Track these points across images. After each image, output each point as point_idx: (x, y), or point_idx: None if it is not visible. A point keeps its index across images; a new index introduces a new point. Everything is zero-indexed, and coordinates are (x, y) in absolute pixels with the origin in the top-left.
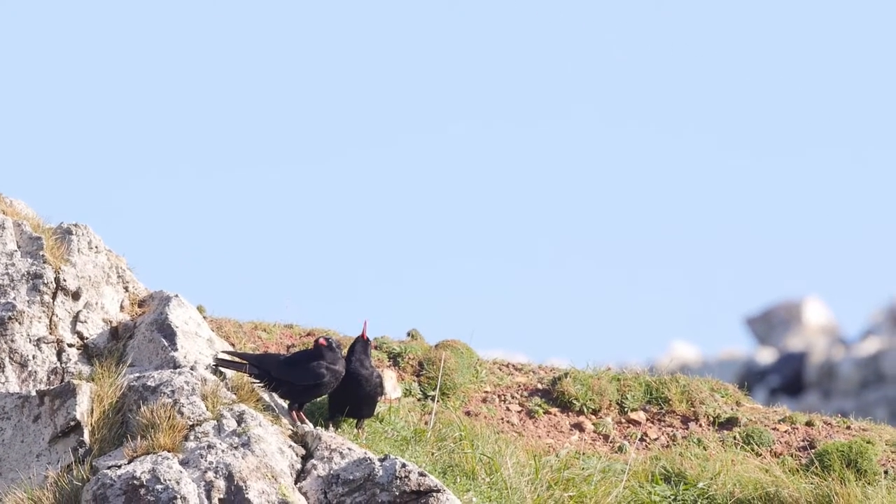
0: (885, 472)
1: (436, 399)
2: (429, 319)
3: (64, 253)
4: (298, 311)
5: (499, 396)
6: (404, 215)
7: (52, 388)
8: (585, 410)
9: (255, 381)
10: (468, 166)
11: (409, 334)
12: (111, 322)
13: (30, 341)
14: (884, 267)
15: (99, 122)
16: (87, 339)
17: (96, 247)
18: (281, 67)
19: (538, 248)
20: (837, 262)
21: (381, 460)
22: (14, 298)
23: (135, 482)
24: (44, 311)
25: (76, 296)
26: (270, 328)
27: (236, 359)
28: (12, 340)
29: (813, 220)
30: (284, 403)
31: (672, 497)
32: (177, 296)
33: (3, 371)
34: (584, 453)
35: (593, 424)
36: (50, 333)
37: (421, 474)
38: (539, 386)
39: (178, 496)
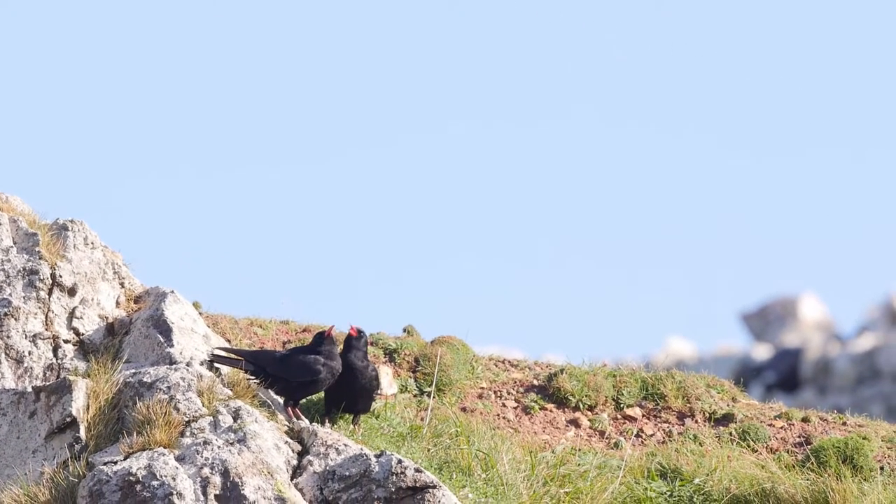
0: (881, 468)
1: (432, 395)
2: (426, 317)
3: (60, 249)
4: (295, 308)
5: (495, 392)
6: (403, 214)
7: (47, 384)
8: (581, 406)
9: (250, 377)
10: (468, 166)
11: (405, 330)
12: (107, 318)
13: (26, 337)
14: (879, 263)
15: (95, 118)
16: (83, 335)
17: (92, 243)
18: (281, 67)
19: (536, 246)
20: (833, 258)
21: (378, 456)
22: (10, 294)
23: (131, 478)
24: (40, 307)
25: (72, 292)
26: (266, 324)
27: (232, 355)
28: (8, 336)
29: (808, 217)
30: (280, 400)
31: (668, 493)
32: (173, 292)
33: None
34: (580, 449)
35: (589, 420)
36: (46, 329)
37: (417, 470)
38: (535, 382)
39: (174, 492)
